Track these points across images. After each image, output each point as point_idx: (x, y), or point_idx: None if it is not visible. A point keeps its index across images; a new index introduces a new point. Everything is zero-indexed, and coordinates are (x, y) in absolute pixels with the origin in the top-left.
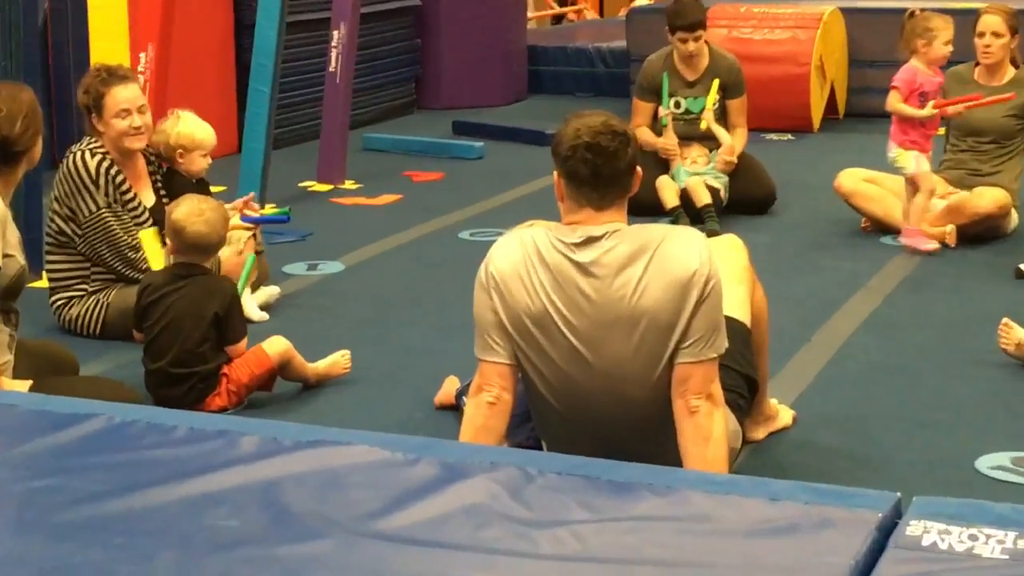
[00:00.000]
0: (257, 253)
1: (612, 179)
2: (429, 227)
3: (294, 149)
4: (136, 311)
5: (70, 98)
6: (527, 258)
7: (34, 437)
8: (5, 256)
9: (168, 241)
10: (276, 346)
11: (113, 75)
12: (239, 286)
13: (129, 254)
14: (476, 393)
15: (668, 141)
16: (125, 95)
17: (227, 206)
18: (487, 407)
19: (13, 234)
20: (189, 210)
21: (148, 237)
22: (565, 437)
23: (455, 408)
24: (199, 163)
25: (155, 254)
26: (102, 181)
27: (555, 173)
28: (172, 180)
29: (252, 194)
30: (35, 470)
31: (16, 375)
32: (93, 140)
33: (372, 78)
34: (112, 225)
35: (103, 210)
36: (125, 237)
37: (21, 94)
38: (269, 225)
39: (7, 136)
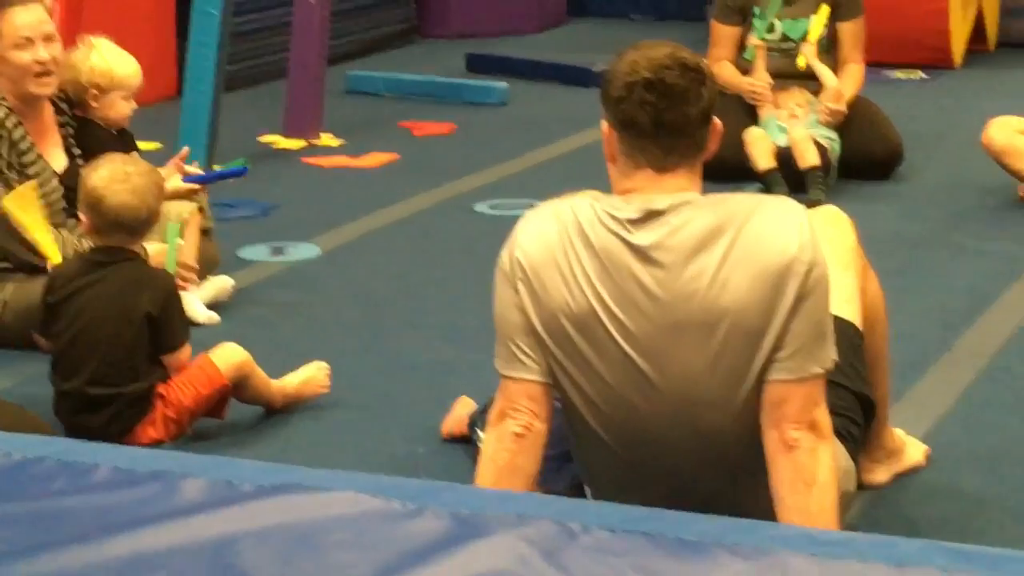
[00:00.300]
0: (203, 232)
1: (680, 130)
2: (434, 197)
3: (253, 92)
4: (42, 311)
5: None
6: (566, 239)
7: None
8: None
9: (82, 216)
10: (229, 357)
11: None
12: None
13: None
14: (499, 421)
15: (757, 80)
16: (25, 19)
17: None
18: (513, 440)
19: None
20: (110, 175)
21: (14, 202)
22: (618, 481)
23: (468, 441)
24: (119, 108)
25: (40, 232)
26: None
27: (604, 123)
28: (85, 132)
29: (186, 149)
30: None
31: None
32: None
33: None
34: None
35: None
36: None
37: None
38: (221, 182)
39: None
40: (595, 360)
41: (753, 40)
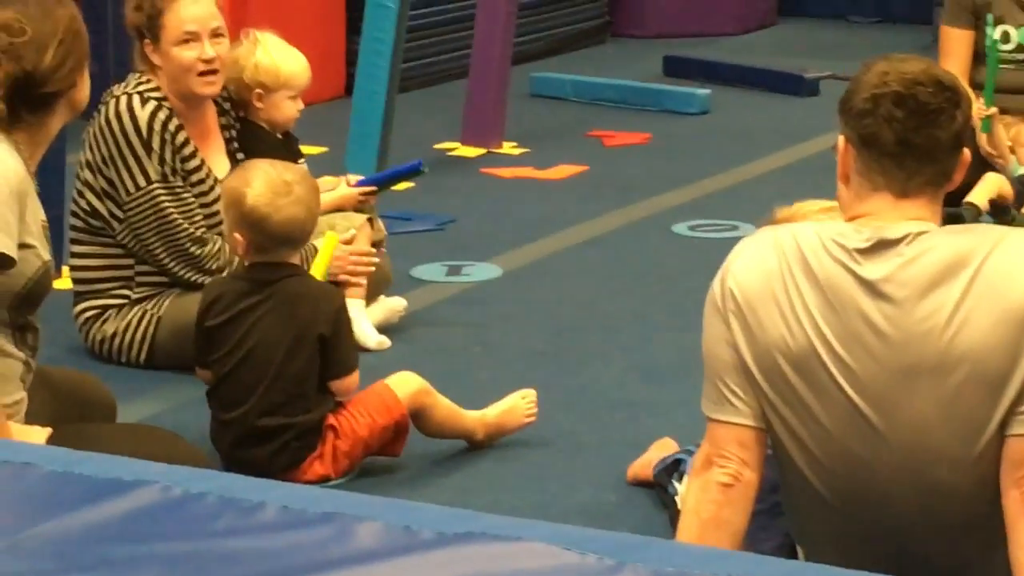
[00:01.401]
0: (375, 245)
1: (928, 154)
2: (627, 215)
3: (429, 93)
4: (198, 337)
5: (112, 17)
6: (786, 269)
7: (57, 513)
8: (21, 246)
9: (239, 236)
10: (406, 384)
11: None
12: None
13: (192, 249)
14: (704, 469)
15: (998, 152)
16: (193, 12)
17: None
18: (720, 490)
19: (35, 216)
20: (270, 188)
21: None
22: (834, 540)
23: (652, 487)
24: (285, 109)
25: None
26: (156, 142)
27: (841, 138)
28: (248, 136)
29: (350, 177)
30: (59, 561)
31: (30, 419)
32: (143, 79)
33: None
34: (166, 207)
35: (155, 185)
36: (185, 224)
37: (57, 10)
38: (395, 186)
39: (32, 71)
40: (814, 404)
41: (981, 109)
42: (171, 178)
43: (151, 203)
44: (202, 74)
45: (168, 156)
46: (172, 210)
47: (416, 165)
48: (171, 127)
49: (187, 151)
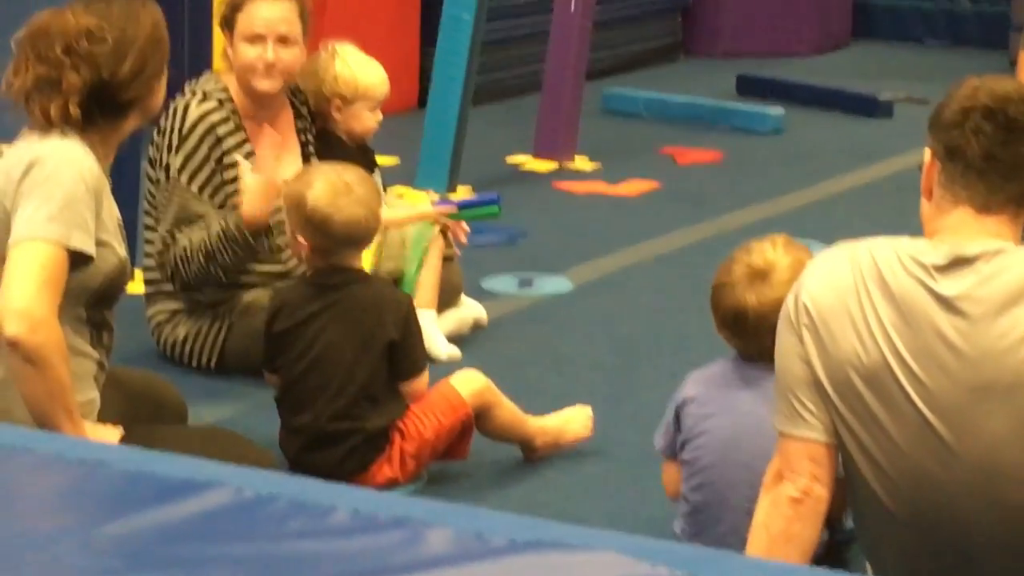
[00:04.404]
0: (446, 259)
1: (1013, 170)
2: (700, 232)
3: (502, 107)
4: (267, 343)
5: (187, 22)
6: (860, 284)
7: (128, 512)
8: (98, 244)
9: (302, 239)
10: (470, 383)
11: None
12: (410, 271)
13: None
14: (775, 483)
15: None
16: (264, 14)
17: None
18: (790, 505)
19: (111, 214)
20: (331, 189)
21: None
22: (904, 558)
23: None
24: (364, 120)
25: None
26: (192, 140)
27: (927, 152)
28: (325, 146)
29: (432, 194)
30: (130, 560)
31: (101, 419)
32: (213, 77)
33: (621, 8)
34: (183, 200)
35: (174, 180)
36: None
37: (142, 14)
38: (467, 214)
39: (109, 79)
40: (886, 420)
41: None
42: (199, 178)
43: (170, 196)
44: (259, 73)
45: (203, 153)
46: (187, 202)
47: (492, 199)
48: (221, 130)
49: (236, 153)
